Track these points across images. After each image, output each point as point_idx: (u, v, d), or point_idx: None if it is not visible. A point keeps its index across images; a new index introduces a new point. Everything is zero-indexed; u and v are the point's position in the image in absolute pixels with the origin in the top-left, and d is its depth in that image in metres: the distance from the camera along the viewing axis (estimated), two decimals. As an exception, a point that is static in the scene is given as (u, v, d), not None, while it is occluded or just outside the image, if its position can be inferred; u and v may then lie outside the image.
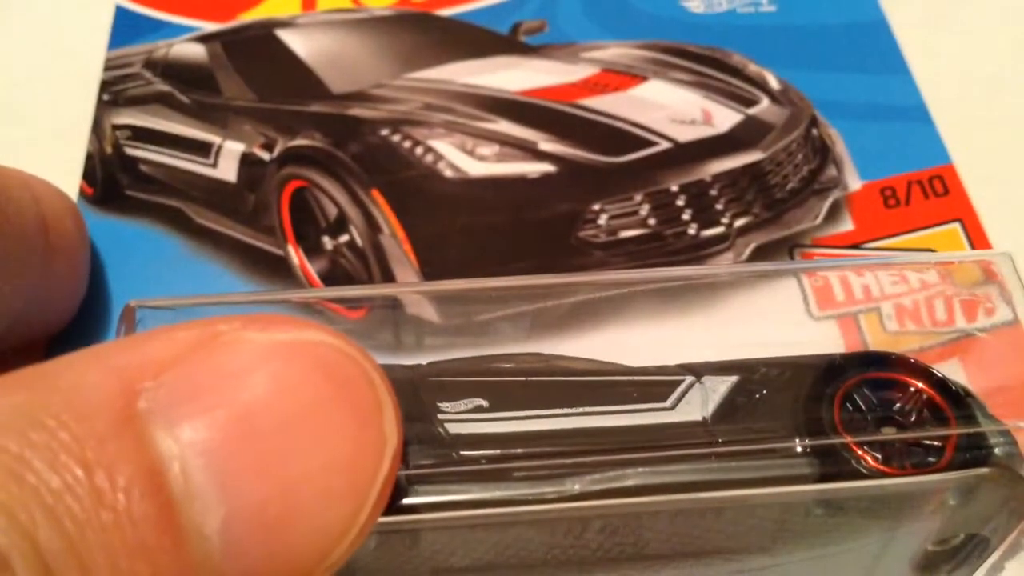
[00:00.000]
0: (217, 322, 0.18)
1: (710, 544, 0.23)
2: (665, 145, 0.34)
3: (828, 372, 0.23)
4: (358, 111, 0.34)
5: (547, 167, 0.33)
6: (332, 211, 0.32)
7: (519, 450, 0.21)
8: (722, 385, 0.23)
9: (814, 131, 0.35)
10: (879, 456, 0.22)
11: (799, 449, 0.22)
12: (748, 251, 0.32)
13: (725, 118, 0.35)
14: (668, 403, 0.22)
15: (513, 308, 0.26)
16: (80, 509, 0.15)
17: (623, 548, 0.23)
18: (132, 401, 0.16)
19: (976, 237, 0.32)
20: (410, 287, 0.28)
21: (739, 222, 0.32)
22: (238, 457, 0.17)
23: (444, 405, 0.22)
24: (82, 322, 0.30)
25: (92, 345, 0.29)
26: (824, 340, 0.27)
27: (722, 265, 0.31)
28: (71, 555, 0.15)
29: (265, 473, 0.17)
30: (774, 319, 0.27)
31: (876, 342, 0.27)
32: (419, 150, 0.33)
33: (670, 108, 0.35)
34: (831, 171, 0.34)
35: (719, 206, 0.33)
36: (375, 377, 0.18)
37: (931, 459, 0.22)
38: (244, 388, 0.17)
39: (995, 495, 0.22)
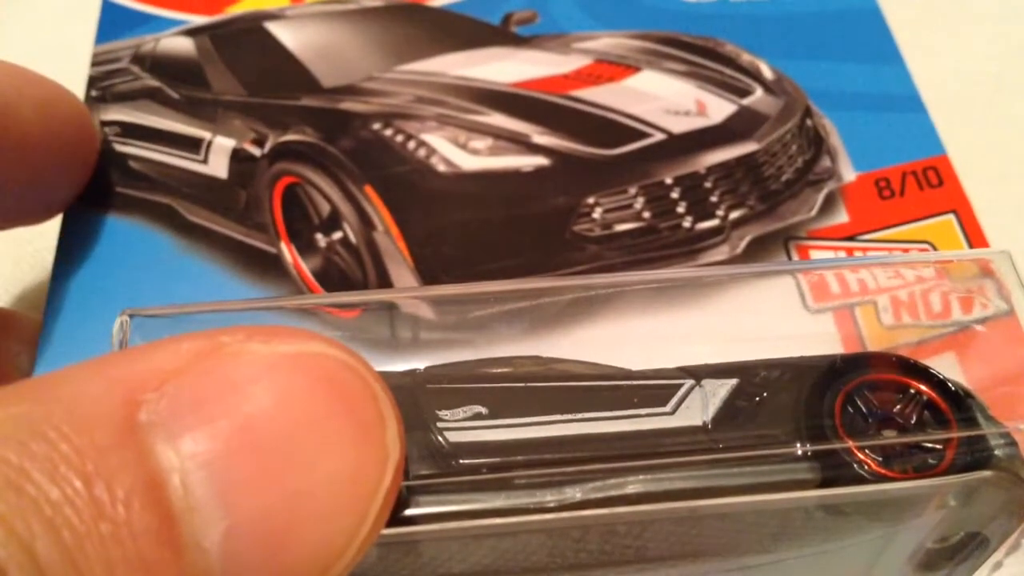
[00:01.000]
0: (220, 333, 0.18)
1: (711, 545, 0.23)
2: (659, 137, 0.33)
3: (828, 374, 0.23)
4: (349, 105, 0.34)
5: (541, 160, 0.33)
6: (325, 208, 0.32)
7: (519, 458, 0.21)
8: (722, 388, 0.23)
9: (808, 121, 0.34)
10: (880, 459, 0.22)
11: (800, 453, 0.22)
12: (743, 244, 0.32)
13: (719, 109, 0.34)
14: (668, 408, 0.22)
15: (509, 305, 0.26)
16: (79, 521, 0.15)
17: (624, 551, 0.23)
18: (133, 412, 0.16)
19: (971, 229, 0.32)
20: (406, 293, 0.28)
21: (734, 214, 0.32)
22: (239, 469, 0.17)
23: (443, 413, 0.22)
24: (73, 321, 0.30)
25: (83, 344, 0.29)
26: (820, 333, 0.27)
27: (717, 267, 0.31)
28: (69, 567, 0.15)
29: (266, 486, 0.17)
30: (770, 312, 0.27)
31: (872, 335, 0.27)
32: (412, 144, 0.33)
33: (664, 99, 0.35)
34: (825, 162, 0.34)
35: (714, 198, 0.32)
36: (378, 390, 0.18)
37: (932, 461, 0.22)
38: (246, 400, 0.17)
39: (996, 497, 0.22)
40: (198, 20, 0.37)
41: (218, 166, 0.33)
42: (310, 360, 0.18)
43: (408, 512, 0.20)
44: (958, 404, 0.23)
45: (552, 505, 0.21)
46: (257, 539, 0.17)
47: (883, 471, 0.22)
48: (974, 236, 0.32)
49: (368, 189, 0.32)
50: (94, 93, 0.35)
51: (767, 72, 0.36)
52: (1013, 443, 0.22)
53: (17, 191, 0.29)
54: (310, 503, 0.17)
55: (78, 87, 0.34)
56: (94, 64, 0.36)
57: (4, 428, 0.15)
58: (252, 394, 0.17)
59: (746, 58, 0.36)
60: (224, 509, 0.16)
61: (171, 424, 0.16)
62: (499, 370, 0.24)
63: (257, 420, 0.17)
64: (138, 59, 0.36)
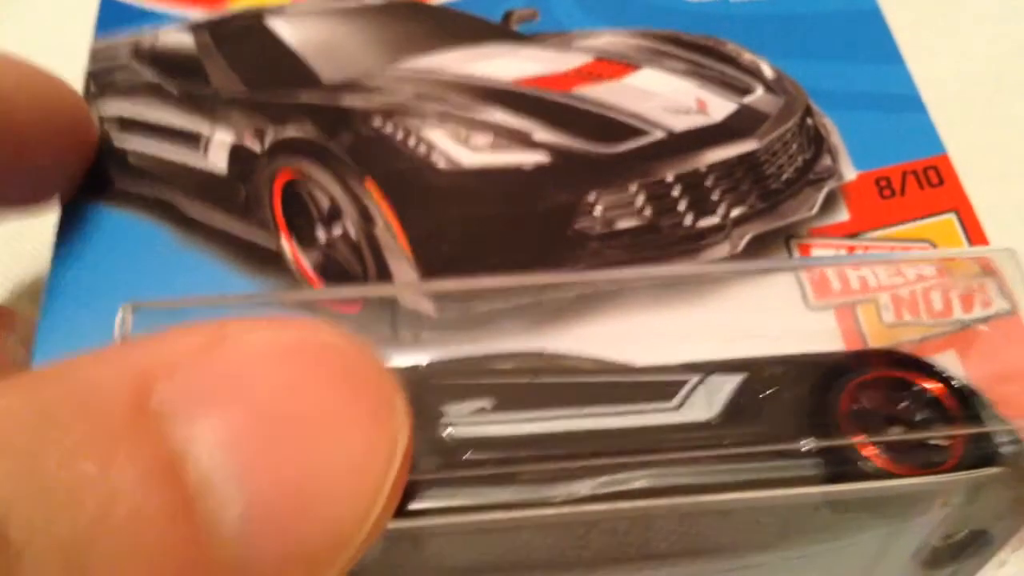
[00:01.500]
0: (229, 323, 0.18)
1: (716, 542, 0.23)
2: (660, 135, 0.33)
3: (834, 371, 0.23)
4: (350, 101, 0.34)
5: (542, 157, 0.33)
6: (325, 203, 0.32)
7: (524, 453, 0.21)
8: (728, 384, 0.23)
9: (809, 120, 0.34)
10: (886, 456, 0.22)
11: (806, 449, 0.22)
12: (744, 242, 0.32)
13: (719, 107, 0.34)
14: (674, 403, 0.22)
15: (512, 301, 0.26)
16: (95, 505, 0.15)
17: (629, 547, 0.23)
18: (146, 398, 0.17)
19: (971, 228, 0.32)
20: (407, 287, 0.28)
21: (735, 212, 0.32)
22: (252, 451, 0.17)
23: (448, 408, 0.22)
24: (70, 316, 0.30)
25: (81, 339, 0.29)
26: (821, 330, 0.27)
27: (721, 264, 0.31)
28: (86, 551, 0.15)
29: (277, 467, 0.17)
30: (771, 309, 0.27)
31: (873, 333, 0.27)
32: (412, 141, 0.33)
33: (664, 97, 0.35)
34: (826, 161, 0.34)
35: (715, 196, 0.32)
36: (384, 375, 0.18)
37: (938, 458, 0.22)
38: (256, 386, 0.17)
39: (1002, 494, 0.22)
40: (198, 15, 0.37)
41: (218, 161, 0.33)
42: (317, 346, 0.18)
43: (414, 505, 0.20)
44: (964, 401, 0.23)
45: (558, 500, 0.21)
46: (271, 521, 0.17)
47: (889, 468, 0.22)
48: (975, 235, 0.32)
49: (369, 185, 0.32)
50: (93, 88, 0.35)
51: (768, 71, 0.36)
52: (1019, 441, 0.22)
53: (14, 183, 0.29)
54: (321, 486, 0.17)
55: (76, 82, 0.34)
56: (93, 59, 0.35)
57: (16, 414, 0.15)
58: (261, 380, 0.17)
59: (747, 57, 0.36)
60: (239, 491, 0.17)
61: (183, 408, 0.17)
62: (503, 366, 0.24)
63: (267, 403, 0.17)
64: (137, 54, 0.36)
